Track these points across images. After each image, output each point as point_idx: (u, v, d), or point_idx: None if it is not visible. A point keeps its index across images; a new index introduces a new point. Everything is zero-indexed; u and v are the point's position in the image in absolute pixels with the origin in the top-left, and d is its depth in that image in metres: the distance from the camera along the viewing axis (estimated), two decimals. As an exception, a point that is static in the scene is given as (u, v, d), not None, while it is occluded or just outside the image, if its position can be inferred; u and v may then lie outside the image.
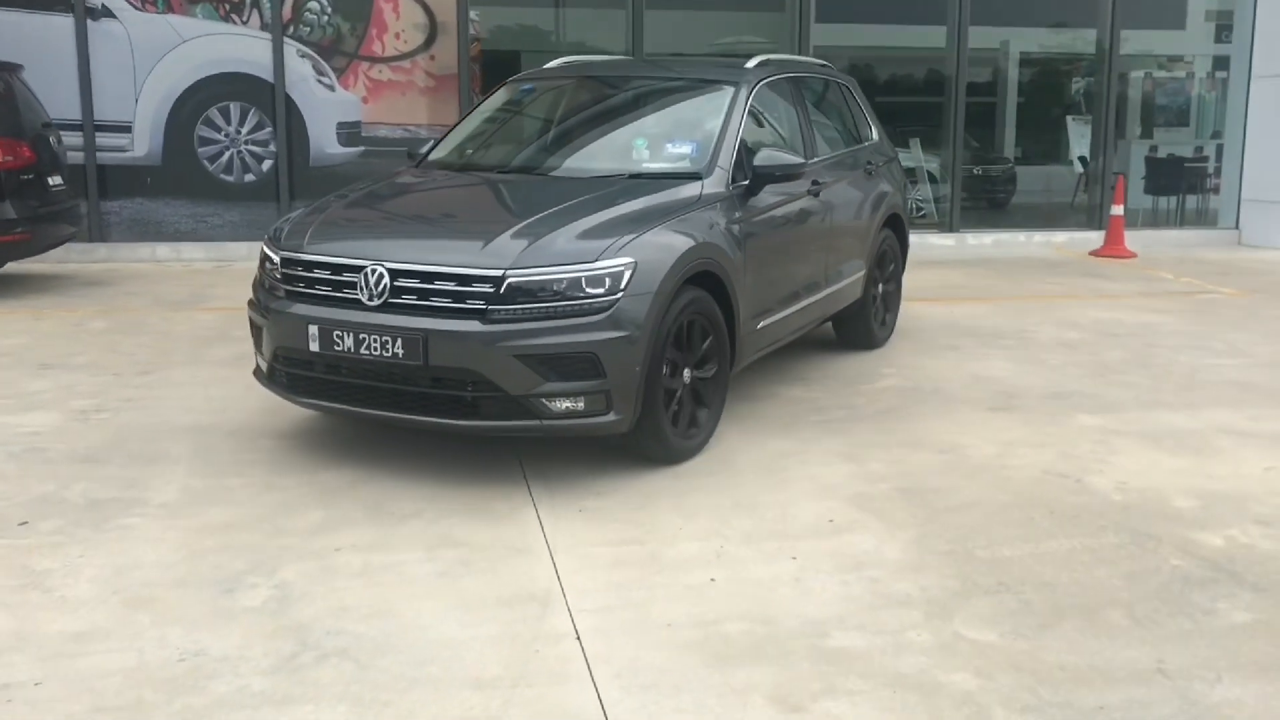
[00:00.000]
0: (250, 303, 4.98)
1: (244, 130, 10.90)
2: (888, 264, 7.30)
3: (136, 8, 10.58)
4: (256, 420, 5.45)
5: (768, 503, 4.45)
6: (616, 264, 4.41)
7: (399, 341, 4.32)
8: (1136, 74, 19.71)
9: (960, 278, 10.19)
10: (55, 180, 8.92)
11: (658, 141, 5.70)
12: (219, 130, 10.86)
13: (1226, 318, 8.43)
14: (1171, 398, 6.10)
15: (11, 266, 9.59)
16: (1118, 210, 11.83)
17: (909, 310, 8.34)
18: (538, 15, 14.15)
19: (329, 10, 10.90)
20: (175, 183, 10.87)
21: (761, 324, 5.49)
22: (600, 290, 4.36)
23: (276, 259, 4.79)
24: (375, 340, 4.36)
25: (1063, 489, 4.64)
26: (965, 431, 5.43)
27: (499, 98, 6.45)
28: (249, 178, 11.01)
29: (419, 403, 4.43)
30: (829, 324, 6.97)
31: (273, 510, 4.30)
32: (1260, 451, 5.18)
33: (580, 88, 6.45)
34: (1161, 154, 15.62)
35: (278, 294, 4.74)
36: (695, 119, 5.79)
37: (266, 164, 10.98)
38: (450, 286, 4.37)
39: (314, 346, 4.50)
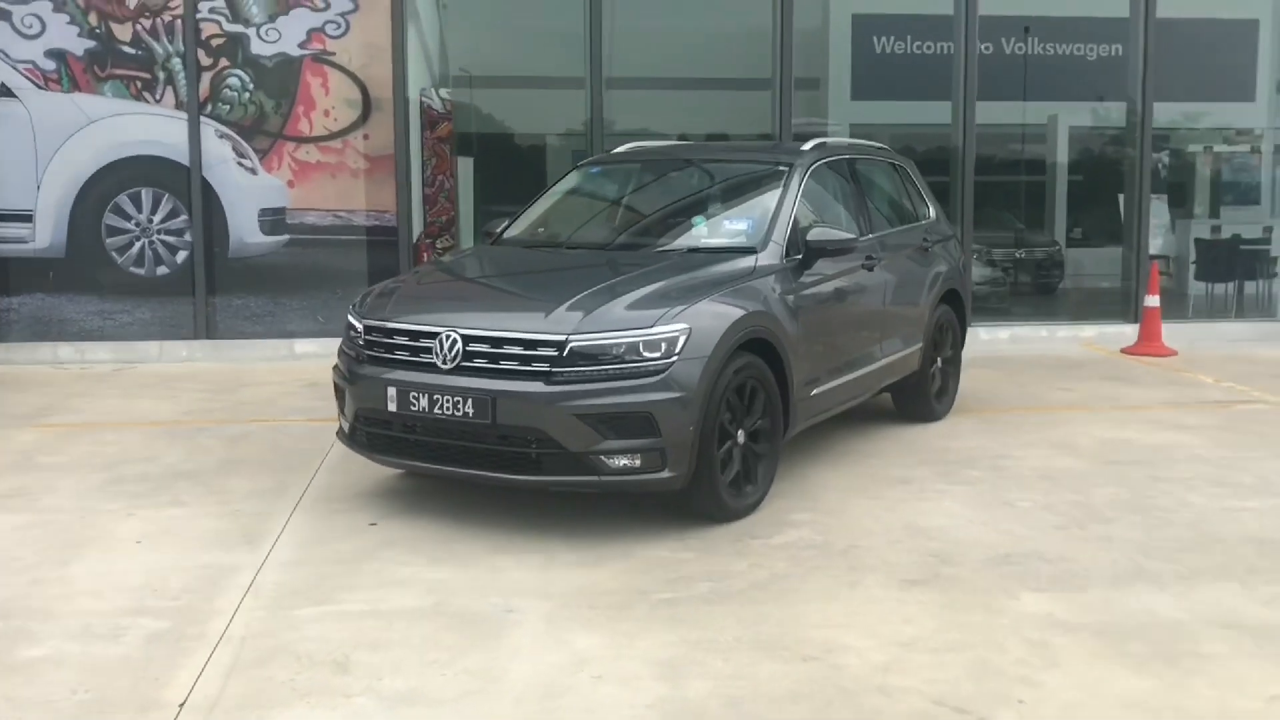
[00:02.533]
0: (335, 368, 5.36)
1: (156, 219, 9.85)
2: (945, 338, 7.43)
3: (39, 86, 9.65)
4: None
5: (500, 758, 3.02)
6: (672, 330, 4.72)
7: (469, 401, 4.66)
8: (1195, 148, 18.11)
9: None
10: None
11: (716, 219, 6.14)
12: (129, 219, 9.82)
13: (1267, 437, 6.81)
14: (1162, 564, 4.55)
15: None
16: (1152, 301, 10.22)
17: (866, 429, 6.88)
18: (508, 97, 13.17)
19: (250, 86, 9.87)
20: (80, 277, 9.81)
21: (815, 391, 5.70)
22: (656, 354, 4.67)
23: (360, 327, 5.18)
24: (448, 400, 4.70)
25: (951, 737, 3.14)
26: (856, 621, 3.95)
27: (569, 180, 6.84)
28: (162, 270, 9.93)
29: (486, 459, 4.74)
30: (888, 397, 7.14)
31: None
32: (1268, 665, 3.62)
33: (645, 170, 6.83)
34: (1214, 235, 14.00)
35: (360, 360, 5.11)
36: (752, 198, 6.15)
37: (181, 255, 9.90)
38: (517, 351, 4.71)
39: (392, 407, 4.85)
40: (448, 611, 4.03)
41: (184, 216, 9.86)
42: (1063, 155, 18.80)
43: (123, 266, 9.87)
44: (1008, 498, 5.51)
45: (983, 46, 17.29)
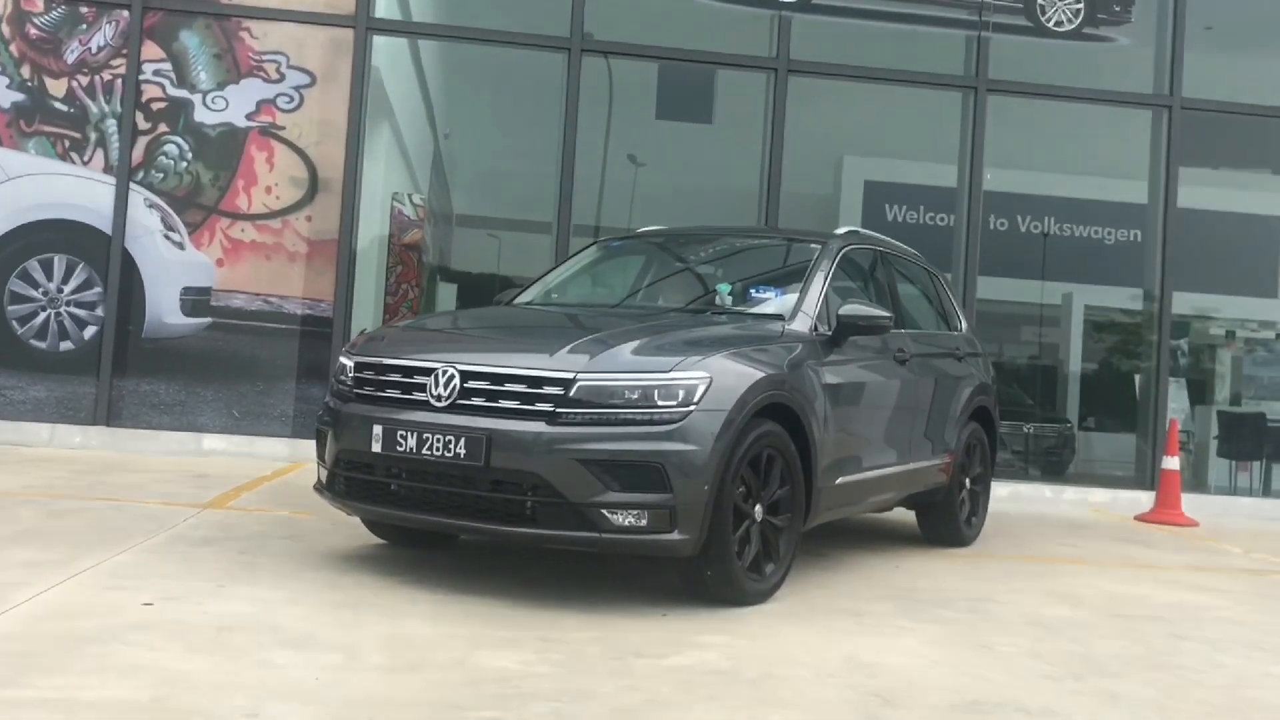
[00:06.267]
0: (319, 417, 4.93)
1: (67, 288, 8.91)
2: (975, 459, 6.90)
3: (-42, 138, 8.88)
4: None
5: None
6: (691, 377, 4.28)
7: (461, 441, 4.21)
8: (1216, 333, 17.29)
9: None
10: None
11: (742, 287, 5.73)
12: (36, 287, 8.87)
13: (1311, 606, 5.57)
14: (1188, 730, 3.31)
15: None
16: (1171, 463, 9.03)
17: (816, 559, 5.67)
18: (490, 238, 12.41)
19: (189, 155, 9.06)
20: (-27, 346, 8.83)
21: (840, 479, 5.20)
22: (672, 402, 4.23)
23: (351, 365, 4.77)
24: (438, 440, 4.24)
25: None
26: (742, 768, 2.71)
27: (587, 254, 6.50)
28: (66, 346, 8.91)
29: (475, 509, 4.27)
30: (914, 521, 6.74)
31: None
32: None
33: (669, 245, 6.50)
34: (1239, 409, 12.94)
35: (347, 400, 4.68)
36: (782, 270, 5.94)
37: (90, 330, 8.91)
38: (519, 388, 4.28)
39: (376, 448, 4.39)
40: None
41: (98, 289, 8.91)
42: (1077, 335, 18.01)
43: (22, 338, 8.85)
44: (986, 640, 4.28)
45: (998, 222, 16.69)
